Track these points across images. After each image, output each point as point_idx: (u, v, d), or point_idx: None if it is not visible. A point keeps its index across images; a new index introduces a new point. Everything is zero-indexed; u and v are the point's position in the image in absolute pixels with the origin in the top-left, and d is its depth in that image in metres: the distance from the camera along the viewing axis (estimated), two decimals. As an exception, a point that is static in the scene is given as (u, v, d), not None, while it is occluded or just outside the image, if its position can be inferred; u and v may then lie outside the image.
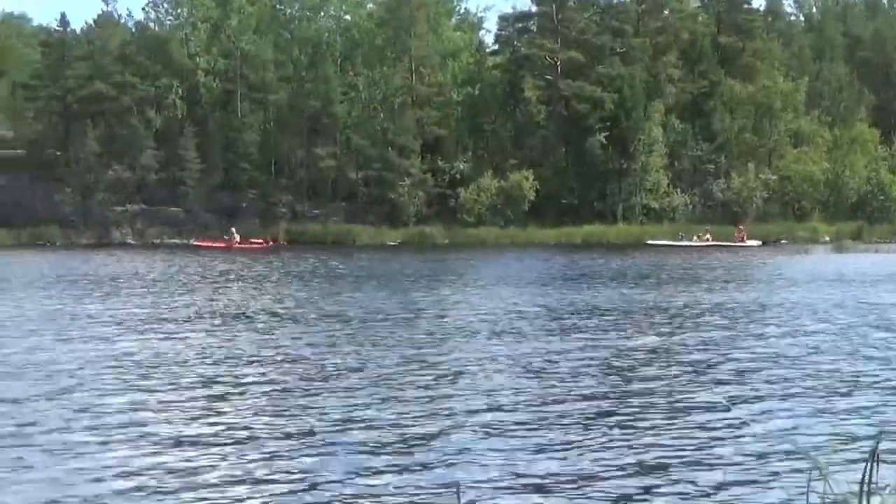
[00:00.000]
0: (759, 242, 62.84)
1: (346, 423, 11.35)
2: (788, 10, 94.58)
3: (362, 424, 11.31)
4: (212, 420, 11.69)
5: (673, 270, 38.87)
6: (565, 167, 74.70)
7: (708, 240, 61.89)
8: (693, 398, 12.84)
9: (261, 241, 63.96)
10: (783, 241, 67.85)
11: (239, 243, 62.69)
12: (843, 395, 13.02)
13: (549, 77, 75.65)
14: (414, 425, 11.30)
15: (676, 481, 9.12)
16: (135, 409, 12.23)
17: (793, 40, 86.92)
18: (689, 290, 28.85)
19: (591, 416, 11.75)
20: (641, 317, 22.08)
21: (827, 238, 69.11)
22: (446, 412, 11.96)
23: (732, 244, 61.20)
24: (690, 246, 59.80)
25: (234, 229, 64.30)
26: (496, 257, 50.26)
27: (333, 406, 12.30)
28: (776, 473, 9.20)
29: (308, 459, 9.87)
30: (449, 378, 14.30)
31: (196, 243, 64.87)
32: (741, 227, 64.78)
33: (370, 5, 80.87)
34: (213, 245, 62.89)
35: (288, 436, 10.84)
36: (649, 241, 62.25)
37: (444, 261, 47.27)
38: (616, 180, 72.63)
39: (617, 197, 72.39)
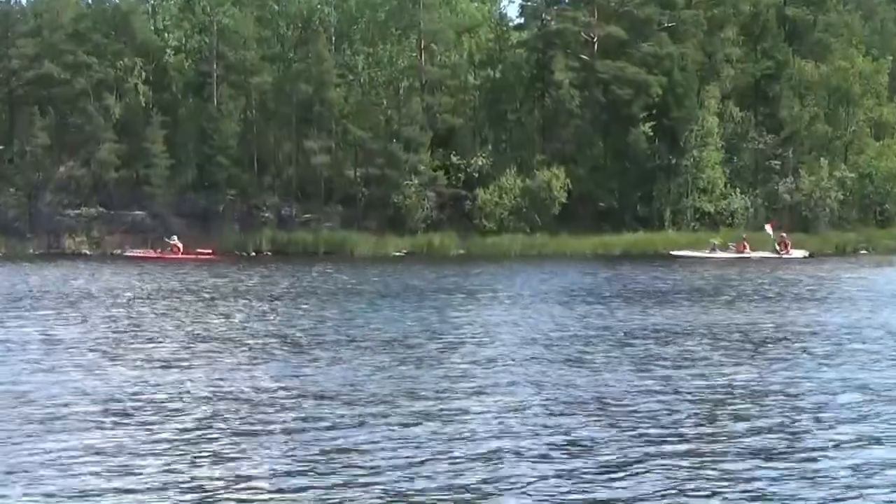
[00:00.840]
0: (806, 253, 62.56)
1: (383, 468, 11.56)
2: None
3: (403, 469, 11.47)
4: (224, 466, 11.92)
5: (734, 286, 39.24)
6: (603, 164, 74.60)
7: (744, 249, 61.91)
8: (792, 441, 13.06)
9: (209, 251, 64.01)
10: (862, 252, 67.89)
11: (183, 254, 62.73)
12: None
13: (583, 56, 75.60)
14: (466, 475, 11.42)
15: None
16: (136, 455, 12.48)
17: (874, 13, 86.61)
18: (772, 311, 29.33)
19: (680, 467, 11.86)
20: (723, 343, 22.40)
21: (916, 248, 69.12)
22: (506, 464, 11.91)
23: (772, 255, 61.11)
24: (724, 258, 59.89)
25: (175, 237, 64.42)
26: (527, 270, 50.27)
27: (365, 448, 12.49)
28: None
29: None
30: (506, 415, 14.37)
31: (129, 254, 64.72)
32: (783, 233, 64.36)
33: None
34: (148, 256, 62.89)
35: (316, 482, 11.06)
36: (673, 252, 62.38)
37: (465, 275, 47.39)
38: (664, 179, 72.58)
39: (665, 199, 72.35)
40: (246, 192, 73.48)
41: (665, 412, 14.74)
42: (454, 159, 73.52)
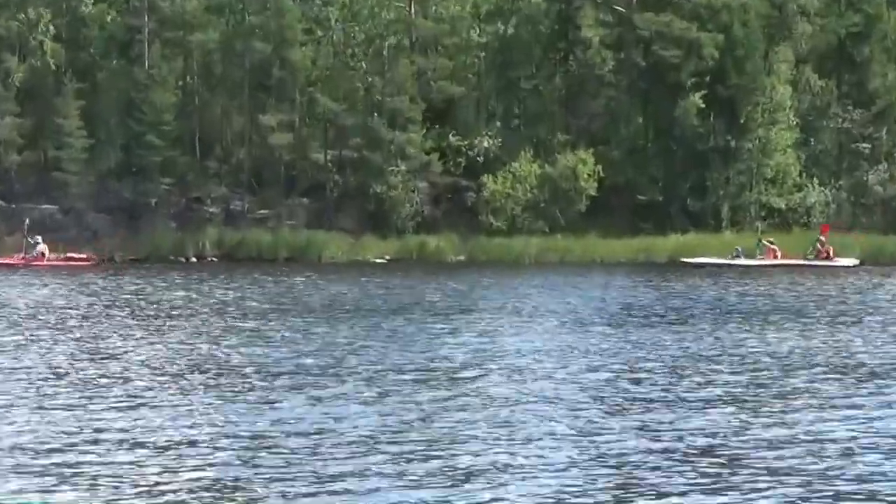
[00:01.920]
0: (857, 261, 64.12)
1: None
2: None
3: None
4: None
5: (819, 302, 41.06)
6: (643, 145, 75.08)
7: (776, 256, 63.33)
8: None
9: (85, 256, 63.71)
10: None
11: (48, 261, 62.12)
12: None
13: (618, 7, 75.54)
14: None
15: None
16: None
17: None
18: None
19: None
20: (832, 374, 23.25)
21: None
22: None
23: (809, 262, 62.90)
24: (751, 266, 61.76)
25: (40, 238, 63.46)
26: (547, 281, 50.41)
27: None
28: None
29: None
30: (564, 474, 14.54)
31: None
32: (821, 237, 65.41)
33: None
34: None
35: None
36: (685, 260, 63.42)
37: (466, 286, 47.45)
38: (720, 166, 72.49)
39: (723, 191, 72.27)
40: (185, 181, 73.18)
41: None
42: (453, 139, 73.44)
